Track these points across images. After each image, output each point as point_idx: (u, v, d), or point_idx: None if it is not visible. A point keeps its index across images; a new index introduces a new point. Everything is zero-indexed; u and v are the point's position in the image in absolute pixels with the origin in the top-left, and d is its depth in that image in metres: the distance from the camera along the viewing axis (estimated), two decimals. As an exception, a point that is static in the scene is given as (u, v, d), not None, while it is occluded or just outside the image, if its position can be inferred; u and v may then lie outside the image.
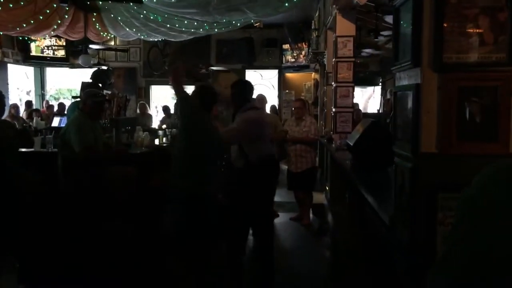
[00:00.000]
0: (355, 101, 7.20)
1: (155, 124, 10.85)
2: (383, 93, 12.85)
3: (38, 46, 13.20)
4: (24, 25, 9.23)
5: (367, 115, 10.55)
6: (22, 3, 8.48)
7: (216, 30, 9.88)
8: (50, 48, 13.37)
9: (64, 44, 13.32)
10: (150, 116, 11.01)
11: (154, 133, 7.05)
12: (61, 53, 13.67)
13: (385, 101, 12.32)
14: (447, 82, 1.73)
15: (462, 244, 0.83)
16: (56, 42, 13.36)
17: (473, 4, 1.73)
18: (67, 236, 4.38)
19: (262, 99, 6.86)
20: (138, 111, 11.01)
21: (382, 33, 8.15)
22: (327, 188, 6.59)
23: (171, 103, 10.81)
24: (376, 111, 12.37)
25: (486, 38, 1.72)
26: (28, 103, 11.68)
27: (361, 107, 11.79)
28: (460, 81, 1.74)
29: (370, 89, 13.97)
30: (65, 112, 8.28)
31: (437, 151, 1.75)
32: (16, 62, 12.82)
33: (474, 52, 1.73)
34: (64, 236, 4.39)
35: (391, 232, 2.09)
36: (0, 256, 3.39)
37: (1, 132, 4.47)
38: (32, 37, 12.12)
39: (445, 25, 1.73)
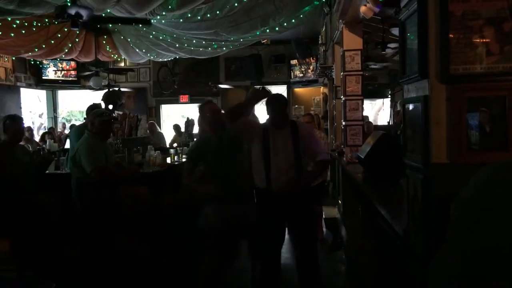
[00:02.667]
0: (365, 114, 7.20)
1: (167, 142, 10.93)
2: (393, 105, 12.83)
3: (56, 70, 13.42)
4: (36, 49, 9.42)
5: (377, 127, 10.54)
6: (34, 29, 8.66)
7: (224, 48, 10.00)
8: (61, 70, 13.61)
9: (75, 67, 13.56)
10: (161, 135, 11.09)
11: (166, 151, 7.11)
12: (72, 75, 13.90)
13: (395, 113, 12.29)
14: (455, 93, 1.75)
15: (459, 243, 0.84)
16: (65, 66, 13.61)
17: (478, 16, 1.75)
18: (83, 255, 4.42)
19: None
20: (148, 131, 11.11)
21: (389, 45, 8.19)
22: (339, 201, 6.57)
23: (181, 121, 10.88)
24: (386, 123, 12.34)
25: (492, 48, 1.74)
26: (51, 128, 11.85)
27: (371, 120, 11.78)
28: (468, 92, 1.76)
29: (379, 101, 13.96)
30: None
31: (448, 162, 1.76)
32: (29, 86, 13.06)
33: (481, 62, 1.75)
34: (80, 255, 4.43)
35: (406, 244, 2.09)
36: (37, 279, 3.43)
37: (19, 159, 4.57)
38: (44, 61, 12.37)
39: (450, 36, 1.76)
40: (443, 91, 1.76)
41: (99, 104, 8.57)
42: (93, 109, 5.38)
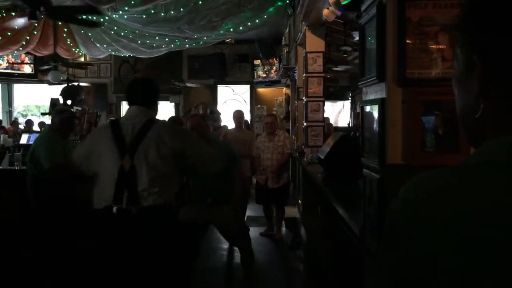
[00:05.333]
0: (325, 115, 7.31)
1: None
2: (353, 107, 13.08)
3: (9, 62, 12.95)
4: (-8, 41, 9.09)
5: (337, 129, 10.71)
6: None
7: (187, 46, 9.94)
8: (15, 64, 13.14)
9: (32, 60, 13.13)
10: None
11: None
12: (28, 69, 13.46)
13: (354, 115, 12.53)
14: (411, 96, 1.81)
15: (384, 258, 0.74)
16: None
17: (433, 22, 1.82)
18: (40, 254, 4.29)
19: (240, 116, 6.89)
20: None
21: (350, 49, 8.33)
22: (299, 201, 6.64)
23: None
24: (346, 125, 12.56)
25: (446, 54, 1.81)
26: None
27: (331, 121, 11.96)
28: (423, 96, 1.82)
29: (340, 103, 14.19)
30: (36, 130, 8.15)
31: (403, 163, 1.82)
32: (-18, 78, 12.59)
33: (436, 67, 1.81)
34: (38, 254, 4.30)
35: (362, 243, 2.14)
36: None
37: None
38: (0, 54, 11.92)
39: (407, 41, 1.82)
40: (399, 94, 1.82)
41: (57, 100, 8.37)
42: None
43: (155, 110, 2.92)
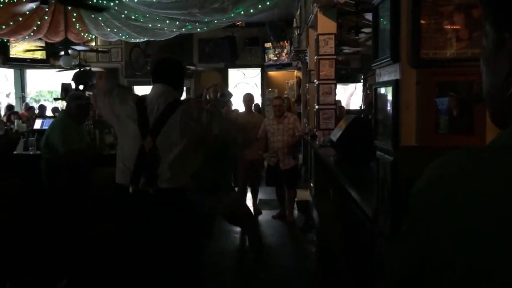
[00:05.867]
0: (337, 98, 7.28)
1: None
2: (365, 89, 12.98)
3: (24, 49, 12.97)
4: (3, 27, 9.11)
5: (349, 111, 10.65)
6: (1, 5, 8.37)
7: (198, 29, 9.89)
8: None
9: (44, 45, 13.17)
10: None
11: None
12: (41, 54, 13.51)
13: (365, 97, 12.45)
14: (425, 77, 1.79)
15: (404, 241, 0.75)
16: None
17: (448, 2, 1.78)
18: (54, 240, 4.35)
19: (249, 99, 6.88)
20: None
21: (362, 30, 8.24)
22: (311, 184, 6.65)
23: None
24: (358, 108, 12.48)
25: (461, 34, 1.78)
26: (9, 107, 11.54)
27: (343, 104, 11.89)
28: (437, 76, 1.80)
29: (352, 86, 14.09)
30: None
31: (417, 144, 1.81)
32: (-5, 64, 12.68)
33: (450, 48, 1.79)
34: (51, 240, 4.36)
35: (375, 225, 2.14)
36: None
37: None
38: (11, 40, 11.96)
39: (422, 22, 1.79)
40: (414, 75, 1.80)
41: (69, 85, 8.41)
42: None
43: (180, 91, 2.88)
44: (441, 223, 0.66)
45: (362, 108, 11.75)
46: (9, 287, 3.43)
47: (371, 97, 12.39)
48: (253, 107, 7.40)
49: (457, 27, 1.80)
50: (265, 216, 6.59)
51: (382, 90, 2.05)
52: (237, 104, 8.90)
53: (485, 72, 0.76)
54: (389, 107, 1.92)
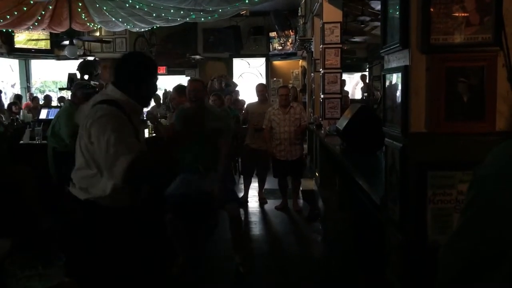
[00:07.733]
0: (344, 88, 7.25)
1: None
2: (371, 79, 12.94)
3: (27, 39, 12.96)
4: (8, 16, 9.11)
5: (354, 101, 10.62)
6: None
7: (202, 19, 9.86)
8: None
9: (48, 36, 13.18)
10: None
11: (143, 122, 7.01)
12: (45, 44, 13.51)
13: (365, 85, 12.43)
14: (435, 63, 1.77)
15: (472, 225, 0.81)
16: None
17: (459, -14, 1.76)
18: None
19: (261, 89, 6.85)
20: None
21: (368, 19, 8.19)
22: (317, 174, 6.65)
23: (159, 93, 10.75)
24: (362, 97, 12.45)
25: (472, 19, 1.76)
26: (18, 96, 11.52)
27: (349, 94, 11.87)
28: (447, 62, 1.77)
29: (357, 75, 14.04)
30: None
31: (426, 131, 1.79)
32: (0, 54, 12.66)
33: (461, 33, 1.76)
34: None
35: (383, 212, 2.14)
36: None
37: None
38: (15, 30, 11.95)
39: (432, 6, 1.77)
40: (423, 61, 1.78)
41: (75, 75, 8.41)
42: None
43: (129, 92, 2.40)
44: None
45: (364, 98, 11.75)
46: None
47: (371, 87, 12.38)
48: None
49: (467, 12, 1.77)
50: (269, 205, 6.60)
51: (391, 77, 2.04)
52: (243, 95, 8.86)
53: None
54: (398, 93, 1.90)
